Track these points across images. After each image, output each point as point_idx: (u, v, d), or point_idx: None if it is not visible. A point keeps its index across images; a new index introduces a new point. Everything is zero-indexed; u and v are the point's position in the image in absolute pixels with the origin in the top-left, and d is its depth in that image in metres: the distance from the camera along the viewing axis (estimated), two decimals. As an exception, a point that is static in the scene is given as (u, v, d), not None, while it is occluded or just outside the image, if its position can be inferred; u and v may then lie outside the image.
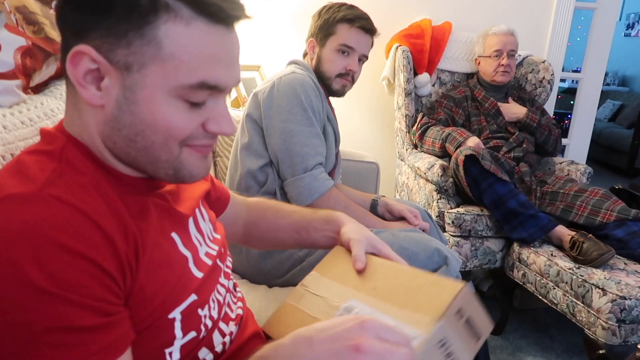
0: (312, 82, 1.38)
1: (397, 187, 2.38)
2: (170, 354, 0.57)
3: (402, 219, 1.45)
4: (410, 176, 2.17)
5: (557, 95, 2.69)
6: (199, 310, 0.62)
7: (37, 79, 0.76)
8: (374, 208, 1.53)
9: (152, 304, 0.54)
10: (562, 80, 3.58)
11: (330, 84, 1.45)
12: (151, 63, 0.52)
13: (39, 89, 0.78)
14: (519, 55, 2.32)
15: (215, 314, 0.66)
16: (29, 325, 0.43)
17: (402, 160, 2.29)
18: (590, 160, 2.78)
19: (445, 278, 0.70)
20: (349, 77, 1.45)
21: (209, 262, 0.68)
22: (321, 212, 0.90)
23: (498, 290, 2.08)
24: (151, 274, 0.55)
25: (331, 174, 1.51)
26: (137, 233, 0.54)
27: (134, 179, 0.59)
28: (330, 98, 1.53)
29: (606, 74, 5.32)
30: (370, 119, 2.61)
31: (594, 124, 2.78)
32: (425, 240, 1.30)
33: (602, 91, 2.79)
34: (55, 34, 0.85)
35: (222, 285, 0.71)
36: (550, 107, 2.57)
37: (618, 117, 5.38)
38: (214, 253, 0.71)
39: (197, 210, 0.71)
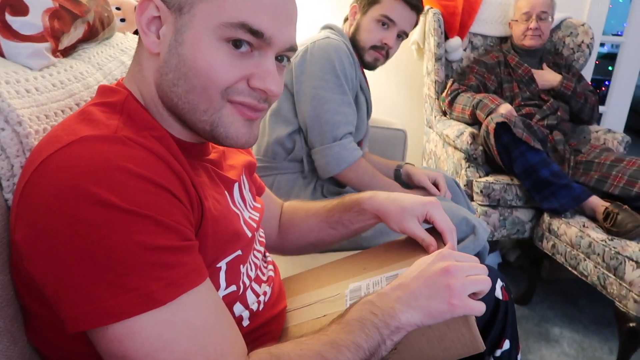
0: (346, 48, 1.34)
1: (424, 155, 2.34)
2: None
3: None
4: (439, 144, 2.13)
5: (595, 61, 2.57)
6: (241, 267, 0.65)
7: (66, 41, 0.76)
8: (397, 176, 1.51)
9: (210, 249, 0.57)
10: (601, 45, 3.40)
11: (363, 55, 1.40)
12: (198, 2, 0.53)
13: (67, 52, 0.79)
14: (553, 19, 2.20)
15: (252, 274, 0.69)
16: (124, 244, 0.45)
17: (430, 127, 2.24)
18: (628, 129, 2.66)
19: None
20: (383, 52, 1.39)
21: (254, 225, 0.71)
22: (346, 202, 0.87)
23: (526, 260, 2.05)
24: (215, 221, 0.57)
25: (360, 143, 1.48)
26: (193, 180, 0.56)
27: (185, 142, 0.61)
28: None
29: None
30: (398, 84, 2.55)
31: (634, 91, 2.65)
32: (453, 209, 1.28)
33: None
34: (80, -3, 0.84)
35: (258, 251, 0.74)
36: (588, 73, 2.46)
37: (660, 84, 5.13)
38: (256, 219, 0.74)
39: (241, 177, 0.73)
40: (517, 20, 2.05)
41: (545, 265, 2.12)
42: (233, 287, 0.63)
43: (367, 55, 1.40)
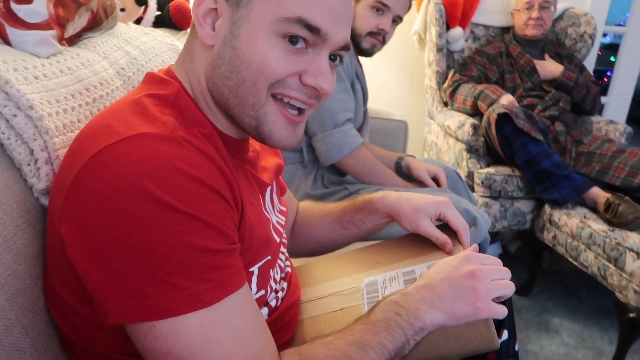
0: None
1: (425, 146, 2.34)
2: None
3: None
4: (440, 135, 2.12)
5: (598, 52, 2.55)
6: (270, 271, 0.66)
7: (71, 29, 0.76)
8: (398, 168, 1.51)
9: (245, 254, 0.57)
10: (604, 35, 3.38)
11: (360, 42, 1.39)
12: None
13: (72, 40, 0.79)
14: (556, 8, 2.19)
15: (278, 278, 0.70)
16: (177, 244, 0.46)
17: (431, 118, 2.24)
18: (630, 119, 2.65)
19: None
20: (380, 37, 1.39)
21: (281, 230, 0.72)
22: (358, 202, 0.87)
23: (526, 251, 2.06)
24: (252, 226, 0.58)
25: (359, 131, 1.48)
26: (238, 185, 0.56)
27: (229, 137, 0.61)
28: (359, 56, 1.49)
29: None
30: (400, 75, 2.54)
31: (636, 82, 2.64)
32: (454, 201, 1.28)
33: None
34: (82, -15, 0.84)
35: (283, 253, 0.75)
36: (590, 63, 2.45)
37: (661, 74, 5.11)
38: (283, 223, 0.74)
39: (272, 181, 0.73)
40: (519, 10, 2.04)
41: (546, 256, 2.12)
42: (262, 292, 0.64)
43: (364, 42, 1.39)
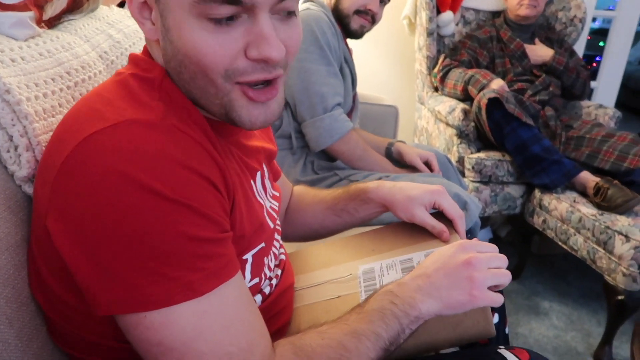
0: (327, 18, 1.32)
1: (416, 132, 2.34)
2: None
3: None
4: (430, 120, 2.12)
5: (587, 36, 2.55)
6: (265, 259, 0.65)
7: (50, 11, 0.73)
8: (389, 154, 1.50)
9: (237, 241, 0.56)
10: (593, 20, 3.37)
11: (349, 23, 1.37)
12: None
13: (52, 23, 0.76)
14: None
15: (272, 265, 0.70)
16: (168, 233, 0.45)
17: (421, 103, 2.23)
18: (619, 104, 2.67)
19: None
20: (368, 17, 1.37)
21: (275, 215, 0.71)
22: (352, 191, 0.86)
23: (516, 236, 2.07)
24: (242, 213, 0.57)
25: (348, 116, 1.47)
26: (229, 170, 0.55)
27: (216, 121, 0.58)
28: (348, 39, 1.47)
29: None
30: (390, 60, 2.52)
31: (625, 66, 2.65)
32: (444, 186, 1.27)
33: (635, 32, 2.64)
34: (61, -34, 0.81)
35: (277, 240, 0.74)
36: (580, 48, 2.45)
37: (650, 59, 5.13)
38: (276, 208, 0.73)
39: (262, 165, 0.72)
40: (513, -10, 2.01)
41: (536, 240, 2.14)
42: (256, 280, 0.63)
43: (352, 22, 1.37)
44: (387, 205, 0.81)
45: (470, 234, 1.32)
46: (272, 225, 0.68)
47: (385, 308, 0.56)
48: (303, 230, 0.91)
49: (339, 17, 1.38)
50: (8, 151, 0.57)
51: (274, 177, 0.83)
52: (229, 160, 0.58)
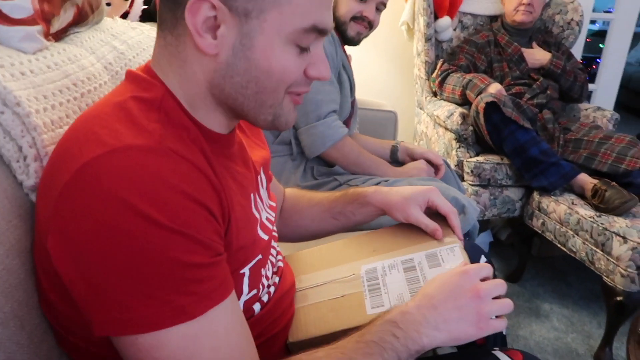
0: None
1: (415, 136, 2.36)
2: None
3: None
4: (429, 125, 2.14)
5: (586, 39, 2.57)
6: (262, 270, 0.66)
7: (57, 25, 0.75)
8: (394, 154, 1.53)
9: (234, 257, 0.57)
10: (592, 22, 3.38)
11: (346, 30, 1.40)
12: (270, 8, 0.53)
13: (59, 36, 0.78)
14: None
15: (270, 274, 0.71)
16: (161, 258, 0.46)
17: (421, 108, 2.25)
18: (618, 106, 2.68)
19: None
20: (364, 23, 1.39)
21: (270, 226, 0.72)
22: (350, 194, 0.89)
23: (516, 238, 2.09)
24: (238, 230, 0.58)
25: (347, 122, 1.49)
26: (225, 191, 0.56)
27: (219, 135, 0.61)
28: (346, 46, 1.49)
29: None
30: (389, 66, 2.54)
31: (624, 68, 2.66)
32: (442, 189, 1.29)
33: (634, 33, 2.66)
34: (66, -19, 0.83)
35: (274, 247, 0.75)
36: (577, 50, 2.47)
37: (650, 60, 5.14)
38: (272, 219, 0.74)
39: (259, 177, 0.74)
40: (511, -5, 2.04)
41: (536, 242, 2.15)
42: (254, 291, 0.64)
43: (349, 29, 1.39)
44: (384, 208, 0.84)
45: (468, 236, 1.34)
46: (266, 237, 0.69)
47: (386, 341, 0.56)
48: (299, 232, 0.93)
49: (337, 24, 1.40)
50: (18, 161, 0.59)
51: (268, 181, 0.85)
52: (226, 179, 0.59)
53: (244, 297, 0.62)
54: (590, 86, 2.56)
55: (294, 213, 0.93)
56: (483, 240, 2.20)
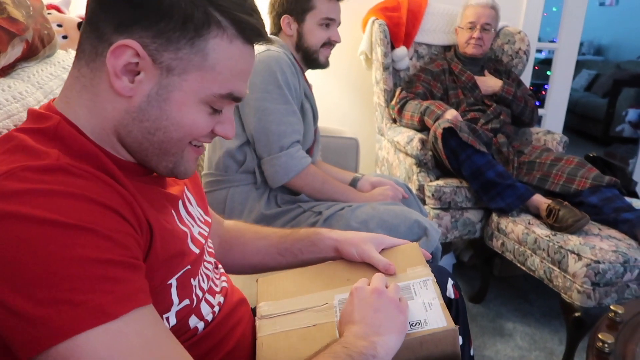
0: (287, 58, 1.37)
1: (377, 162, 2.39)
2: (167, 319, 0.61)
3: None
4: (390, 151, 2.18)
5: (534, 67, 2.71)
6: (192, 280, 0.66)
7: (3, 61, 0.74)
8: (354, 186, 1.54)
9: (161, 269, 0.57)
10: (539, 51, 3.58)
11: (317, 57, 1.45)
12: (193, 70, 0.57)
13: (5, 71, 0.77)
14: (496, 31, 2.31)
15: (204, 286, 0.71)
16: (67, 258, 0.45)
17: (381, 135, 2.30)
18: (566, 129, 2.82)
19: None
20: (332, 46, 1.47)
21: (202, 240, 0.72)
22: (302, 232, 0.91)
23: (478, 259, 2.13)
24: (164, 242, 0.58)
25: (310, 151, 1.51)
26: (138, 202, 0.56)
27: (130, 163, 0.62)
28: (307, 74, 1.52)
29: (581, 44, 5.34)
30: (349, 94, 2.60)
31: (570, 94, 2.81)
32: (405, 213, 1.31)
33: (577, 61, 2.82)
34: (18, 14, 0.82)
35: (209, 262, 0.76)
36: (527, 78, 2.59)
37: (593, 86, 5.44)
38: (205, 234, 0.75)
39: (184, 194, 0.73)
40: (462, 28, 2.14)
41: (497, 263, 2.20)
42: (186, 301, 0.64)
43: (320, 55, 1.45)
44: (338, 240, 0.86)
45: (432, 259, 1.36)
46: (197, 251, 0.68)
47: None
48: (241, 263, 0.93)
49: (306, 53, 1.44)
50: None
51: (202, 202, 0.85)
52: (142, 195, 0.59)
53: (175, 308, 0.61)
54: (540, 111, 2.69)
55: (238, 245, 0.93)
56: (446, 262, 2.23)
